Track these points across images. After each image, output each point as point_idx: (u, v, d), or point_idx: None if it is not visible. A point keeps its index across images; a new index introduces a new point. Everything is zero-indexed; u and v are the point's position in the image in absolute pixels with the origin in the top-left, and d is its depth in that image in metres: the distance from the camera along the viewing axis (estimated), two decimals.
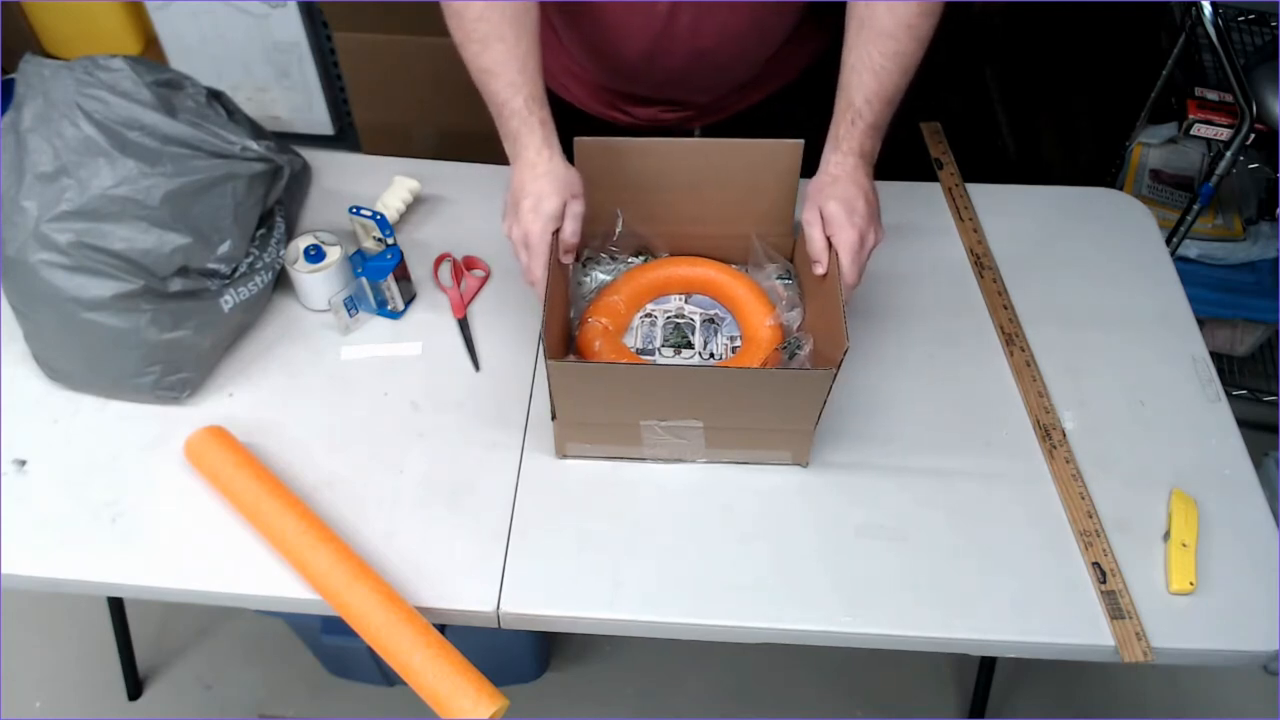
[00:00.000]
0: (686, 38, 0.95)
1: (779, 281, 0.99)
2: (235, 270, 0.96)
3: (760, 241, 0.99)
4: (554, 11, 0.99)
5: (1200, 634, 0.81)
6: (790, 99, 1.10)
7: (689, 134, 1.13)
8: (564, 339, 0.95)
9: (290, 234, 1.05)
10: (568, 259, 0.90)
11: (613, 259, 1.02)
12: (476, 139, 1.09)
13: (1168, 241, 1.24)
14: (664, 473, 0.90)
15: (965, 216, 1.14)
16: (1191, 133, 1.45)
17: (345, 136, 2.14)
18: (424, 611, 0.79)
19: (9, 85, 0.95)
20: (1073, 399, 0.96)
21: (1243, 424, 0.95)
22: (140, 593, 0.84)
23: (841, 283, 0.84)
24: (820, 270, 0.88)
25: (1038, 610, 0.82)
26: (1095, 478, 0.90)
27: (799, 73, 1.09)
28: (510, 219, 0.89)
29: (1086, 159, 1.83)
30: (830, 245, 0.86)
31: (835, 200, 0.86)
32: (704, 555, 0.85)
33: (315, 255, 1.00)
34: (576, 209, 0.88)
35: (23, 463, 0.90)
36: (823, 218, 0.87)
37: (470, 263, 1.08)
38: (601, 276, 1.01)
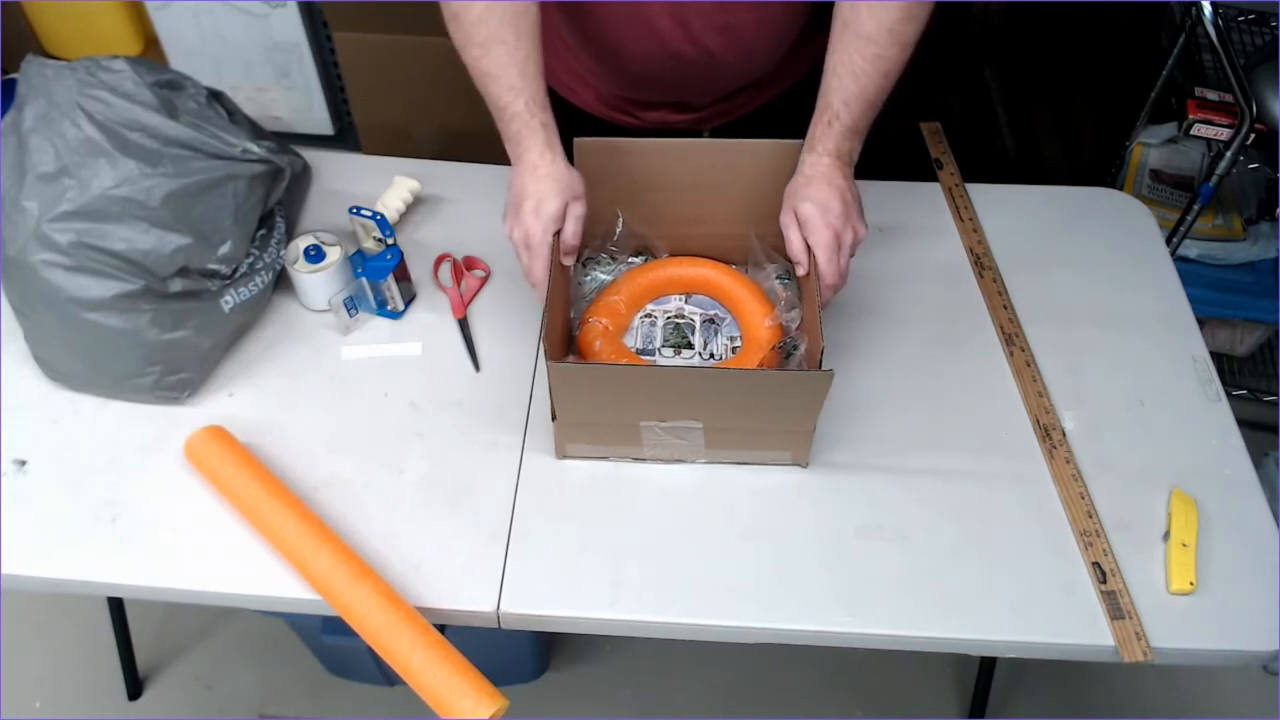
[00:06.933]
0: (693, 40, 0.95)
1: (778, 282, 0.99)
2: (235, 271, 0.96)
3: (760, 241, 0.99)
4: (561, 17, 0.99)
5: (1200, 634, 0.81)
6: (799, 98, 1.10)
7: (697, 136, 1.13)
8: (564, 339, 0.95)
9: (290, 234, 1.05)
10: (568, 260, 0.90)
11: (613, 259, 1.02)
12: (476, 139, 1.09)
13: (1168, 241, 1.24)
14: (664, 473, 0.90)
15: (965, 216, 1.14)
16: (1191, 133, 1.45)
17: (345, 136, 2.14)
18: (424, 611, 0.79)
19: (10, 85, 0.96)
20: (1073, 399, 0.96)
21: (1243, 424, 0.95)
22: (140, 593, 0.84)
23: (820, 283, 0.84)
24: (802, 271, 0.88)
25: (1038, 610, 0.82)
26: (1095, 478, 0.90)
27: (806, 72, 1.08)
28: (511, 220, 0.89)
29: (1086, 159, 1.83)
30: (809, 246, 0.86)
31: (809, 201, 0.86)
32: (704, 555, 0.85)
33: (315, 255, 1.00)
34: (578, 210, 0.88)
35: (23, 463, 0.90)
36: (798, 219, 0.87)
37: (470, 263, 1.08)
38: (601, 276, 1.01)
